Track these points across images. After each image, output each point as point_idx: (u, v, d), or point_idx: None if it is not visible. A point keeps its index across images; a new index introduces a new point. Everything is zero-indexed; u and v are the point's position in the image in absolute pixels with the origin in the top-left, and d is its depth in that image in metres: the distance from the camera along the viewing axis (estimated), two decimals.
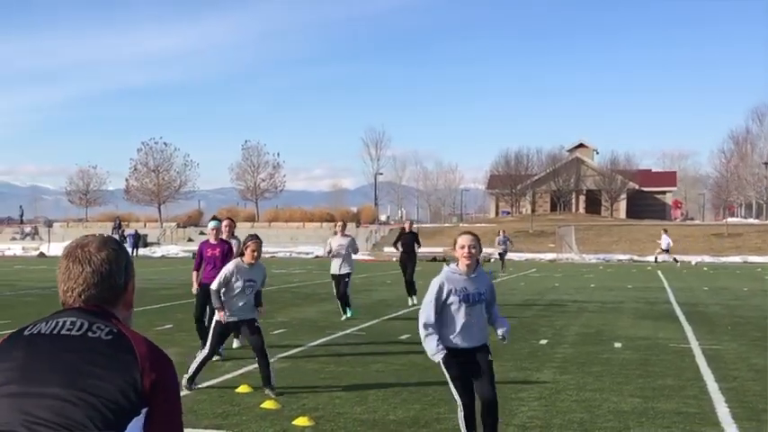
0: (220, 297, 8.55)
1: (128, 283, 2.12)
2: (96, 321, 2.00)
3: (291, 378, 9.09)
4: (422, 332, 5.85)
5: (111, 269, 2.07)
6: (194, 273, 11.04)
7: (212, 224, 11.16)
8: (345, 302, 15.02)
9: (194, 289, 11.09)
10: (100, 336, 1.97)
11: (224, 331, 8.66)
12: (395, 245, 18.55)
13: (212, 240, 10.94)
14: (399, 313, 16.10)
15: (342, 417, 7.30)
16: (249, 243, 8.70)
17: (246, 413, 7.41)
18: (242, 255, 8.77)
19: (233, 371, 9.54)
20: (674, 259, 39.44)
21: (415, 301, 16.93)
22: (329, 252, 15.10)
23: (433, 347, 5.79)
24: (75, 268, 2.06)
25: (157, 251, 53.62)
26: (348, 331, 13.26)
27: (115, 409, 1.88)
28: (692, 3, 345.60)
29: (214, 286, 8.64)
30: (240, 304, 8.58)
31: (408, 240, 18.15)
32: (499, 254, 34.00)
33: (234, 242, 11.27)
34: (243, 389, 8.38)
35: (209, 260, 10.75)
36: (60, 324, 1.99)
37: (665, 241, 39.33)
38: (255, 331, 8.51)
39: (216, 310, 8.68)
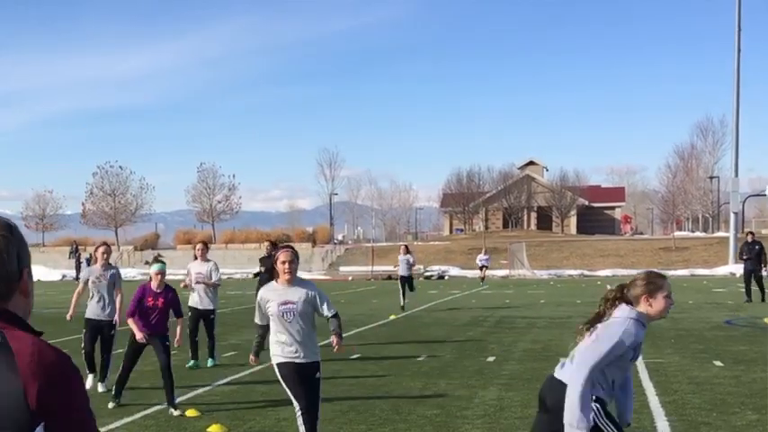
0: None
1: (23, 270, 1.88)
2: None
3: (240, 400, 9.13)
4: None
5: (2, 258, 1.83)
6: (131, 320, 9.17)
7: (157, 267, 9.23)
8: (212, 347, 12.31)
9: (140, 337, 9.13)
10: None
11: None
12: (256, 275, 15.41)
13: (155, 286, 9.22)
14: (351, 333, 16.19)
15: None
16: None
17: None
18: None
19: (181, 395, 9.53)
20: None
21: None
22: (188, 283, 12.46)
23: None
24: None
25: None
26: None
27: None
28: (635, 22, 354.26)
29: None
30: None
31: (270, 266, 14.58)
32: (401, 276, 22.92)
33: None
34: (190, 413, 8.40)
35: (148, 311, 9.12)
36: None
37: (483, 258, 38.12)
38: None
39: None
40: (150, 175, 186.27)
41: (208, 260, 12.54)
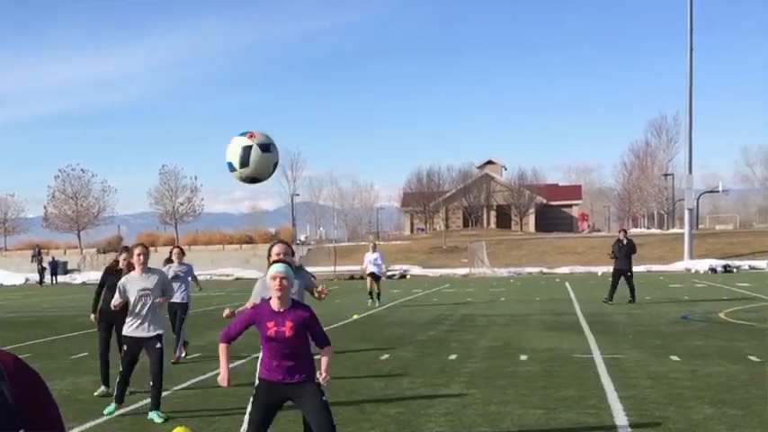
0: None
1: None
2: None
3: (205, 402, 9.13)
4: None
5: None
6: (222, 347, 5.79)
7: (276, 269, 5.56)
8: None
9: (224, 382, 5.77)
10: None
11: None
12: None
13: (276, 304, 5.59)
14: None
15: None
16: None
17: None
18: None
19: (145, 399, 9.50)
20: None
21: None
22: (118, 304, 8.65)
23: None
24: None
25: (78, 278, 53.51)
26: None
27: None
28: (589, 20, 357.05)
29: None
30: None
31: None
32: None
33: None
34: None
35: (272, 343, 5.64)
36: None
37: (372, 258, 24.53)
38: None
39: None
40: (112, 177, 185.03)
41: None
